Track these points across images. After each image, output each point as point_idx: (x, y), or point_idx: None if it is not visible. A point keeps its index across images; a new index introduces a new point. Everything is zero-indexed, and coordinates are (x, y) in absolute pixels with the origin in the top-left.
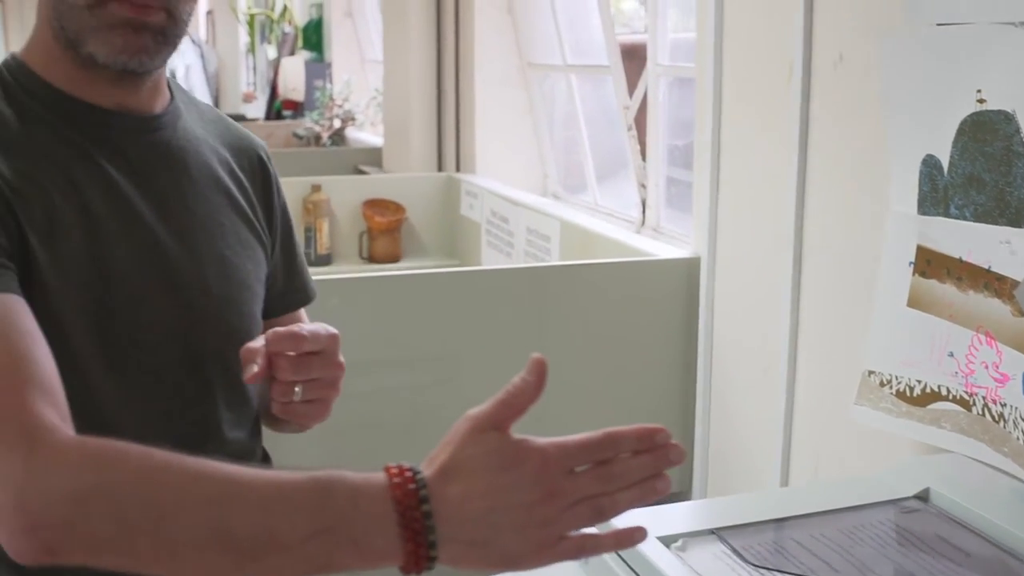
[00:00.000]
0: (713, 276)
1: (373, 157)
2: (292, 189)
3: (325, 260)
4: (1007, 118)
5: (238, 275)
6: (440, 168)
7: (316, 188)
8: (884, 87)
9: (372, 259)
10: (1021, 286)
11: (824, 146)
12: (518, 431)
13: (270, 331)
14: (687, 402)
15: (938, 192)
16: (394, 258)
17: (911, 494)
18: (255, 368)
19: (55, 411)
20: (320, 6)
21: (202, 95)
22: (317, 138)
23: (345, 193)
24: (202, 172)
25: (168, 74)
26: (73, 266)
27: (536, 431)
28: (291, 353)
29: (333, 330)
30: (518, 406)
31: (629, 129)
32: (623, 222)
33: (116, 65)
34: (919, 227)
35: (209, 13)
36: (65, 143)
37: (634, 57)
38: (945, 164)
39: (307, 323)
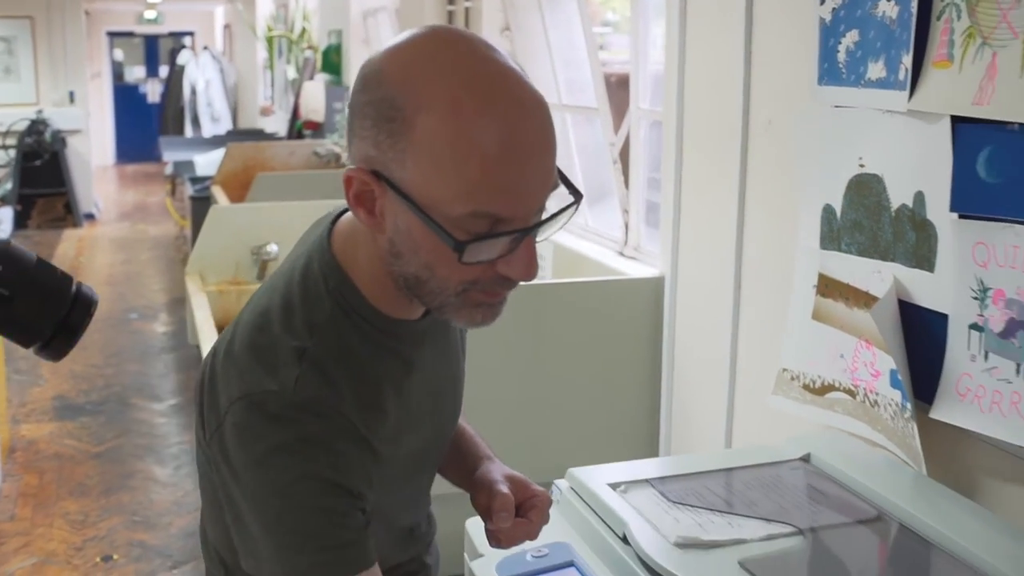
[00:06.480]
0: (675, 291)
1: None
2: (320, 213)
3: None
4: (878, 180)
5: (460, 402)
6: None
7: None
8: (797, 149)
9: None
10: (875, 306)
11: (757, 191)
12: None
13: (515, 490)
14: (654, 392)
15: (833, 233)
16: None
17: (796, 457)
18: (509, 524)
19: None
20: (339, 32)
21: (221, 108)
22: (337, 157)
23: None
24: (449, 338)
25: (188, 89)
26: (408, 444)
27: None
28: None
29: (547, 496)
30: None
31: (615, 162)
32: (609, 242)
33: (465, 328)
34: (820, 259)
35: (226, 26)
36: (392, 355)
37: (625, 88)
38: (838, 212)
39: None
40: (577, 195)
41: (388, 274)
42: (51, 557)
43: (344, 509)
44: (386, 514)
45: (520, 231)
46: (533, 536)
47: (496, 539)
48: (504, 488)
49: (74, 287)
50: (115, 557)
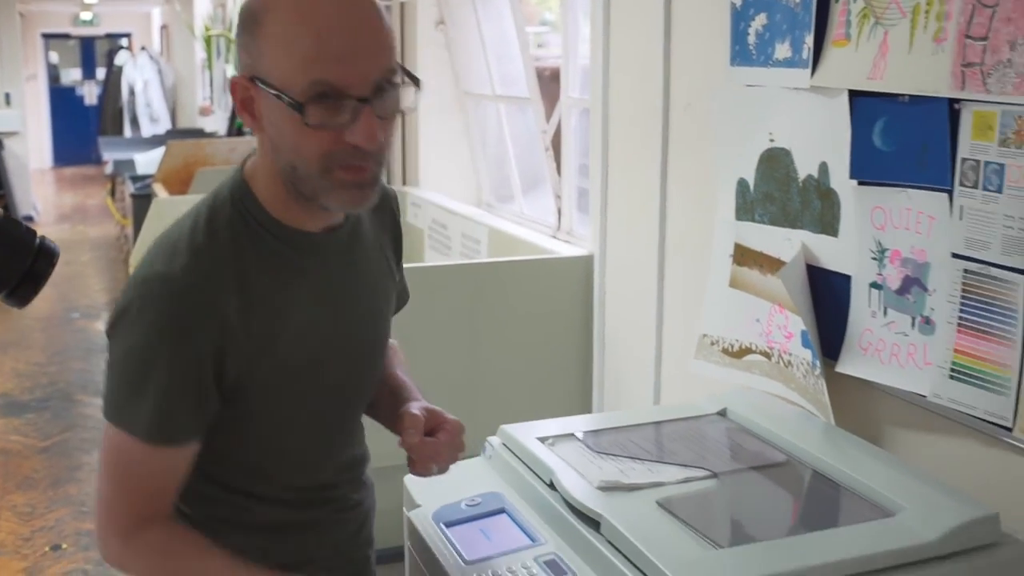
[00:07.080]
0: (604, 268)
1: None
2: None
3: None
4: (787, 153)
5: (383, 324)
6: (388, 181)
7: None
8: (713, 128)
9: None
10: (783, 270)
11: (678, 170)
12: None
13: (427, 416)
14: (586, 361)
15: (747, 204)
16: None
17: (713, 412)
18: (415, 439)
19: (155, 511)
20: None
21: (160, 108)
22: None
23: None
24: (368, 251)
25: (127, 90)
26: (290, 352)
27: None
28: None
29: (459, 423)
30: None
31: (547, 149)
32: (543, 227)
33: (347, 212)
34: (736, 229)
35: (164, 27)
36: (284, 261)
37: (558, 81)
38: (751, 185)
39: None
40: (415, 81)
41: (281, 183)
42: None
43: (189, 389)
44: (302, 433)
45: (357, 99)
46: (442, 457)
47: (411, 463)
48: (415, 410)
49: (38, 240)
50: (64, 546)
